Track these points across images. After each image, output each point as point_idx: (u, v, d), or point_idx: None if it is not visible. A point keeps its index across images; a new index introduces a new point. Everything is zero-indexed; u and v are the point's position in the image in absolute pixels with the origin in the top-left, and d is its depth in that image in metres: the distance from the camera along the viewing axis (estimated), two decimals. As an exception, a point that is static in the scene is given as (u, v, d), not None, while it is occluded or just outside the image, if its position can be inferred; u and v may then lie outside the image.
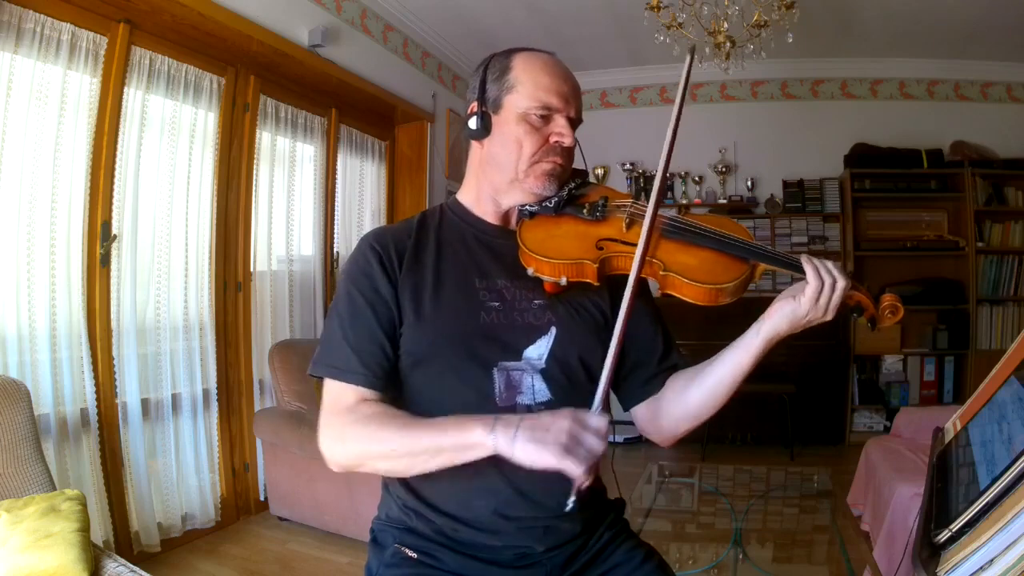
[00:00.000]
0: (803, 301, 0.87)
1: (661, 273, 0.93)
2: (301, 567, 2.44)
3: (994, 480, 0.91)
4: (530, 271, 0.96)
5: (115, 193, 2.33)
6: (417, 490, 0.97)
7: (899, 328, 4.27)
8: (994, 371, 1.39)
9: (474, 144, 1.04)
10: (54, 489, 1.63)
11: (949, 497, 1.10)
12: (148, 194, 2.48)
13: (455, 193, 1.11)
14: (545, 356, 0.95)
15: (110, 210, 2.31)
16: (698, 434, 3.90)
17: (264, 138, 3.06)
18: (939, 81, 4.52)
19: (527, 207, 1.00)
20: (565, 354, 0.96)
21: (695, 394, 0.97)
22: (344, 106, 3.55)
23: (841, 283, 0.87)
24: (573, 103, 0.99)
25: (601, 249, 0.96)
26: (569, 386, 0.95)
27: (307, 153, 3.39)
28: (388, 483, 1.03)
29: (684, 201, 4.73)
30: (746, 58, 3.11)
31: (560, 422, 0.79)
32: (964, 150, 4.31)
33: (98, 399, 2.26)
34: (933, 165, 4.32)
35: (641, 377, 1.04)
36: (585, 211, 1.00)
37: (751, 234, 0.98)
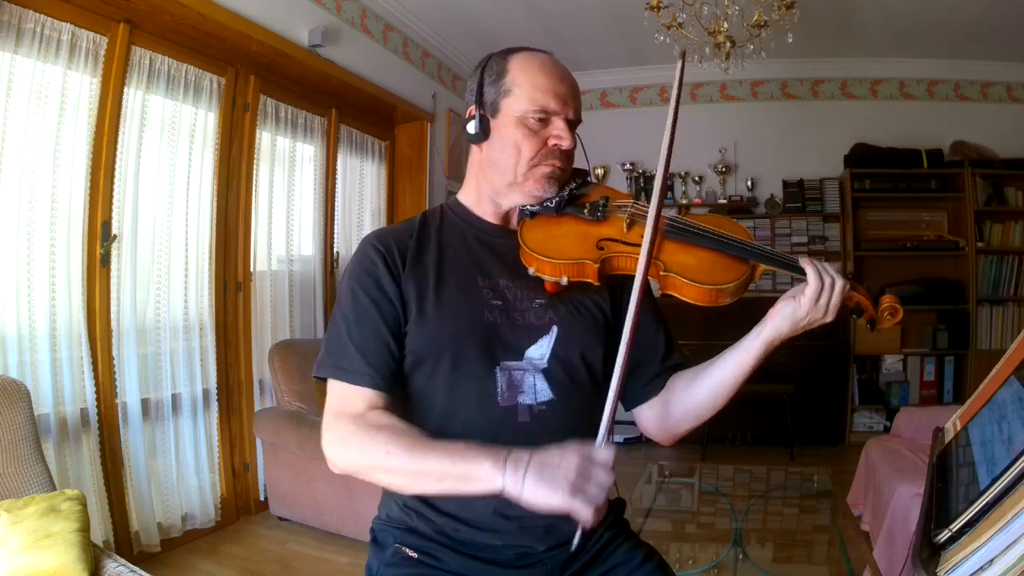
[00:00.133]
0: (803, 302, 0.87)
1: (662, 273, 0.93)
2: (301, 567, 2.44)
3: (994, 480, 0.91)
4: (531, 271, 0.96)
5: (115, 193, 2.33)
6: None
7: (899, 328, 4.27)
8: (994, 371, 1.39)
9: (473, 147, 1.04)
10: (54, 489, 1.63)
11: (949, 497, 1.10)
12: (148, 194, 2.48)
13: (455, 193, 1.11)
14: (547, 356, 0.95)
15: (110, 210, 2.31)
16: (698, 434, 3.90)
17: (264, 138, 3.06)
18: (939, 81, 4.52)
19: (528, 207, 1.01)
20: (567, 353, 0.96)
21: (696, 394, 0.97)
22: (344, 106, 3.55)
23: (839, 283, 0.87)
24: (571, 104, 0.98)
25: (602, 249, 0.96)
26: (571, 385, 0.95)
27: (307, 153, 3.39)
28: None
29: (684, 201, 4.73)
30: (746, 58, 3.11)
31: (569, 459, 0.77)
32: (964, 150, 4.31)
33: (98, 399, 2.26)
34: (933, 165, 4.32)
35: (643, 377, 1.04)
36: (586, 211, 1.00)
37: (751, 235, 0.99)
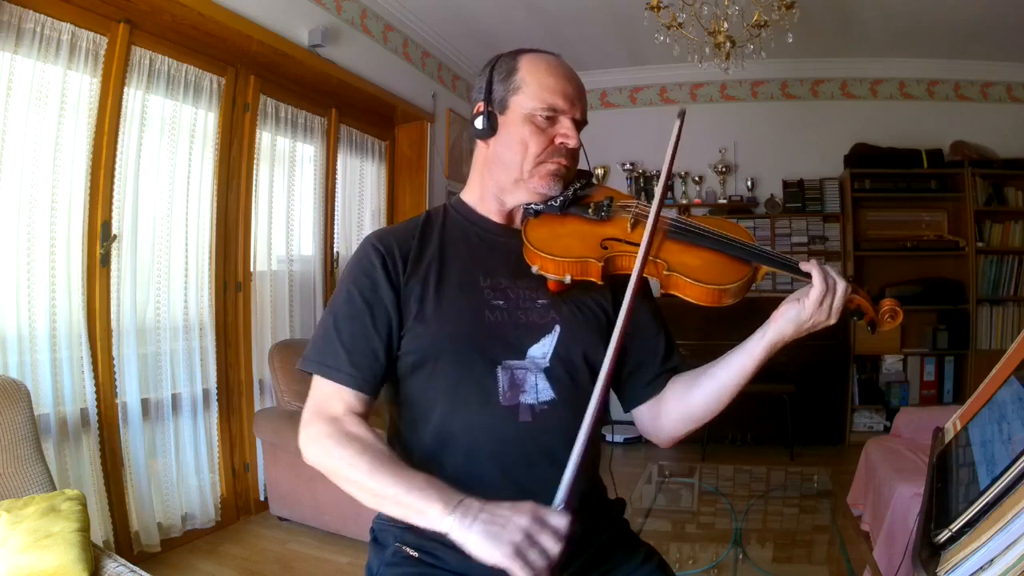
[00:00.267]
0: (807, 304, 0.87)
1: (665, 273, 0.93)
2: (301, 567, 2.44)
3: (994, 480, 0.91)
4: (534, 269, 0.96)
5: (115, 193, 2.33)
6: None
7: (899, 328, 4.26)
8: (994, 371, 1.39)
9: (479, 143, 1.05)
10: (54, 489, 1.63)
11: (949, 497, 1.10)
12: (148, 194, 2.48)
13: (456, 193, 1.12)
14: (549, 355, 0.95)
15: (110, 210, 2.31)
16: (698, 434, 3.90)
17: (264, 138, 3.06)
18: (939, 81, 4.52)
19: (532, 206, 1.01)
20: (569, 353, 0.96)
21: (698, 396, 0.97)
22: (344, 106, 3.55)
23: (842, 285, 0.88)
24: (578, 105, 0.99)
25: (606, 248, 0.96)
26: (572, 385, 0.95)
27: (307, 153, 3.39)
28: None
29: (684, 201, 4.73)
30: (746, 58, 3.11)
31: (519, 519, 0.75)
32: (964, 150, 4.31)
33: (98, 399, 2.26)
34: (933, 165, 4.32)
35: (643, 378, 1.04)
36: (590, 211, 1.00)
37: (753, 237, 0.99)
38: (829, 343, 4.15)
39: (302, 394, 2.94)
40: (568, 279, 0.95)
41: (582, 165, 1.05)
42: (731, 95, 4.78)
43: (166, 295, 2.57)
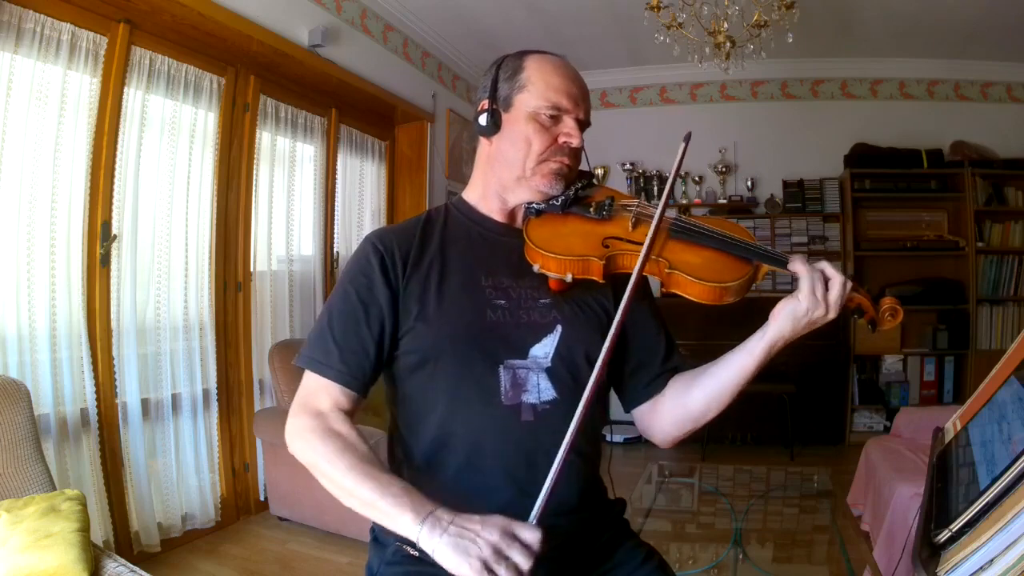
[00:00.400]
0: (801, 298, 0.88)
1: (666, 271, 0.93)
2: (301, 567, 2.44)
3: (994, 480, 0.91)
4: (536, 267, 0.96)
5: (115, 193, 2.33)
6: (418, 489, 0.97)
7: (899, 328, 4.27)
8: (994, 371, 1.39)
9: (482, 141, 1.05)
10: (54, 489, 1.63)
11: (949, 497, 1.10)
12: (148, 194, 2.48)
13: (456, 193, 1.12)
14: (551, 354, 0.96)
15: (110, 210, 2.31)
16: (698, 434, 3.86)
17: (264, 138, 3.06)
18: (939, 81, 4.52)
19: (534, 205, 1.01)
20: (571, 352, 0.96)
21: (698, 396, 0.97)
22: (344, 106, 3.55)
23: (829, 271, 0.88)
24: (582, 105, 1.00)
25: (607, 247, 0.96)
26: (574, 385, 0.95)
27: (307, 153, 3.39)
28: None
29: (684, 201, 4.73)
30: (746, 58, 3.11)
31: (488, 533, 0.75)
32: (964, 150, 4.31)
33: (98, 399, 2.26)
34: (933, 165, 4.32)
35: (644, 378, 1.04)
36: (591, 210, 1.01)
37: (753, 236, 1.00)
38: (829, 343, 4.15)
39: (302, 394, 2.93)
40: (569, 278, 0.95)
41: (583, 166, 1.05)
42: (731, 95, 4.78)
43: (166, 295, 2.56)
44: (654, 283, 0.97)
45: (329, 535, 2.65)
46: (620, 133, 4.74)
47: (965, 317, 4.27)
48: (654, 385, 1.04)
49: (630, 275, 0.92)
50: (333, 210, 3.53)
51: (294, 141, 3.26)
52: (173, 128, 2.56)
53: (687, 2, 2.88)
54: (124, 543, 2.30)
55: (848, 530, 2.81)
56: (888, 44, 4.23)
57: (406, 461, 1.00)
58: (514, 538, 0.75)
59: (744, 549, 2.68)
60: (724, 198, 4.70)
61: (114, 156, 2.31)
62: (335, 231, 3.57)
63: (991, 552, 0.81)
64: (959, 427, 1.40)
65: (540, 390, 0.94)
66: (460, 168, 4.45)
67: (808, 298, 0.87)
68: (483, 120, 1.01)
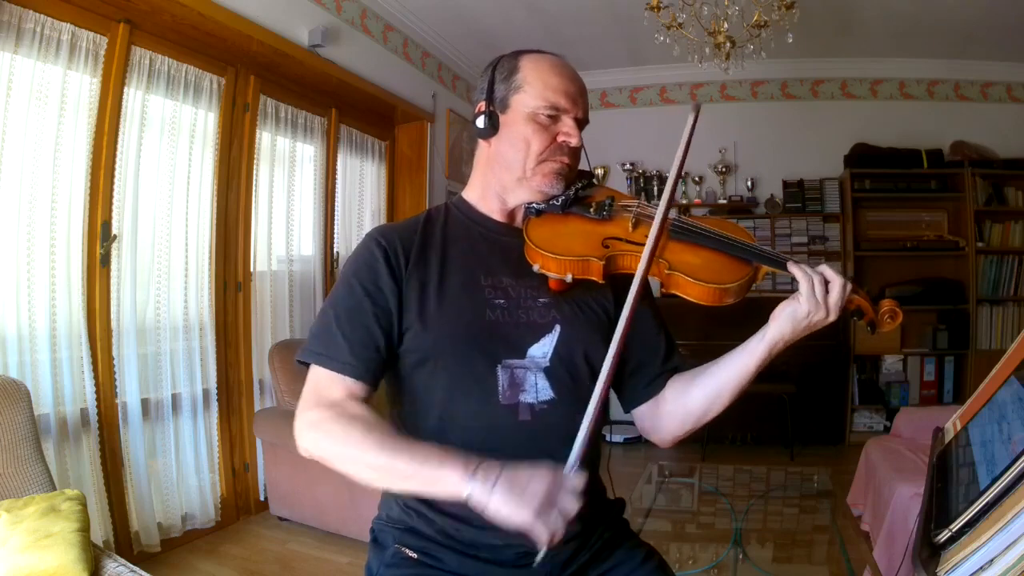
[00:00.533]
0: (801, 300, 0.88)
1: (666, 272, 0.93)
2: (301, 567, 2.44)
3: (994, 480, 0.91)
4: (536, 267, 0.96)
5: (115, 193, 2.33)
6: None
7: (899, 328, 4.24)
8: (994, 371, 1.39)
9: (481, 143, 1.05)
10: (54, 489, 1.63)
11: (949, 497, 1.10)
12: (148, 194, 2.48)
13: (456, 193, 1.12)
14: (549, 354, 0.95)
15: (110, 210, 2.31)
16: (698, 434, 3.87)
17: (264, 138, 3.05)
18: (939, 81, 4.52)
19: (534, 205, 1.01)
20: (569, 353, 0.96)
21: (698, 396, 0.98)
22: (344, 106, 3.55)
23: (829, 274, 0.89)
24: (580, 104, 1.00)
25: (607, 247, 0.96)
26: (572, 385, 0.95)
27: (307, 153, 3.39)
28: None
29: (684, 201, 4.73)
30: (746, 58, 3.11)
31: (538, 482, 0.77)
32: (964, 150, 4.31)
33: (98, 399, 2.26)
34: (933, 165, 4.32)
35: (644, 378, 1.04)
36: (591, 210, 1.00)
37: (753, 236, 1.00)
38: (829, 343, 4.15)
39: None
40: (569, 278, 0.95)
41: (582, 166, 1.05)
42: (731, 95, 4.78)
43: (166, 295, 2.56)
44: (654, 283, 0.97)
45: (329, 535, 2.66)
46: (620, 133, 4.74)
47: (965, 317, 4.27)
48: (654, 385, 1.04)
49: (630, 275, 0.92)
50: (333, 210, 3.53)
51: (294, 141, 3.26)
52: (173, 128, 2.56)
53: (687, 2, 2.88)
54: (124, 543, 2.30)
55: (848, 530, 2.81)
56: (888, 44, 4.23)
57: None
58: (562, 483, 0.78)
59: (744, 549, 2.68)
60: (724, 198, 4.70)
61: (114, 156, 2.31)
62: (335, 231, 3.57)
63: (991, 552, 0.81)
64: (959, 427, 1.40)
65: (538, 390, 0.94)
66: (460, 168, 4.45)
67: (808, 300, 0.87)
68: (481, 123, 1.01)
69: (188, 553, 2.50)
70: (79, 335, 2.22)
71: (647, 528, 2.97)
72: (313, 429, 0.89)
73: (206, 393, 2.74)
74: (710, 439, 4.11)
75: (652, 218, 0.99)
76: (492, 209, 1.05)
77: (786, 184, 4.62)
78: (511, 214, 1.05)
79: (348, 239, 3.67)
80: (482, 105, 1.01)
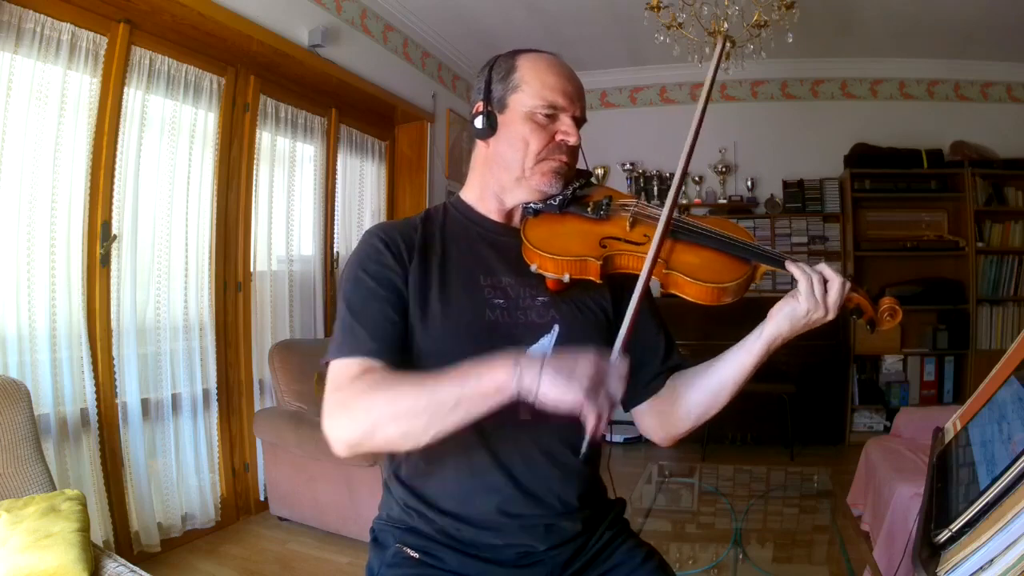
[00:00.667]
0: (800, 299, 0.88)
1: (664, 271, 0.93)
2: (301, 567, 2.44)
3: (994, 480, 0.91)
4: (533, 267, 0.96)
5: (115, 193, 2.33)
6: (418, 489, 0.97)
7: (899, 328, 4.27)
8: (994, 371, 1.39)
9: (479, 143, 1.05)
10: (54, 489, 1.63)
11: (949, 497, 1.10)
12: (148, 194, 2.48)
13: (455, 193, 1.12)
14: (548, 354, 0.95)
15: (110, 210, 2.31)
16: (698, 434, 3.90)
17: (264, 138, 3.06)
18: (939, 81, 4.52)
19: (531, 205, 1.01)
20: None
21: (697, 394, 0.97)
22: (344, 106, 3.55)
23: (828, 273, 0.89)
24: (578, 103, 1.00)
25: (604, 247, 0.96)
26: (572, 384, 0.95)
27: (307, 153, 3.39)
28: (389, 483, 1.03)
29: (684, 201, 4.73)
30: (746, 58, 3.11)
31: (584, 363, 0.77)
32: (964, 150, 4.31)
33: (98, 399, 2.26)
34: (933, 165, 4.32)
35: (644, 377, 1.04)
36: (589, 210, 1.00)
37: (752, 236, 0.99)
38: (829, 343, 4.15)
39: (302, 394, 2.95)
40: (567, 278, 0.95)
41: (580, 165, 1.05)
42: (731, 95, 4.78)
43: (166, 295, 2.56)
44: (653, 283, 0.97)
45: (329, 535, 2.66)
46: (620, 133, 4.74)
47: (965, 317, 4.27)
48: (653, 384, 1.04)
49: (628, 275, 0.92)
50: (333, 210, 3.54)
51: (294, 141, 3.26)
52: (173, 128, 2.56)
53: (687, 2, 2.88)
54: (124, 543, 2.30)
55: (848, 530, 2.81)
56: (888, 44, 4.23)
57: (405, 459, 1.00)
58: (607, 366, 0.78)
59: (744, 549, 2.68)
60: (724, 198, 4.70)
61: (114, 156, 2.31)
62: (335, 231, 3.57)
63: (991, 552, 0.81)
64: (959, 427, 1.40)
65: None
66: (460, 168, 4.45)
67: (807, 299, 0.87)
68: (479, 123, 1.01)
69: (188, 553, 2.50)
70: (79, 335, 2.22)
71: (647, 528, 2.97)
72: (342, 411, 0.85)
73: (206, 393, 2.74)
74: (710, 439, 4.10)
75: (650, 217, 0.99)
76: (490, 209, 1.05)
77: (786, 184, 4.62)
78: (509, 214, 1.05)
79: (348, 239, 3.67)
80: (480, 106, 1.01)
